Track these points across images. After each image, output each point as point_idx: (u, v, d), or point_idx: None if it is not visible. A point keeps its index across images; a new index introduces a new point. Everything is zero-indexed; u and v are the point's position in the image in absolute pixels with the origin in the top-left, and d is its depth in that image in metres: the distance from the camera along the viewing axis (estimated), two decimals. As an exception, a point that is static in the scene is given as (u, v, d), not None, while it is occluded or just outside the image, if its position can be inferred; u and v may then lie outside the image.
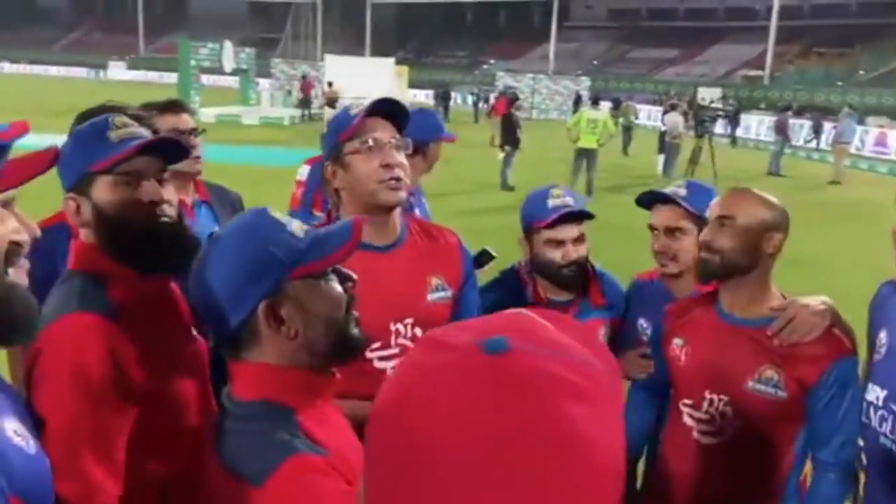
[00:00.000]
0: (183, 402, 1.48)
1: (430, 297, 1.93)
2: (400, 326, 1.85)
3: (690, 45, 55.82)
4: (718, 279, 1.95)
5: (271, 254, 1.13)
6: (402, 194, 1.84)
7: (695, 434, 1.96)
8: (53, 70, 60.71)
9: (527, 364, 0.57)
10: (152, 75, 55.04)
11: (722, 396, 1.91)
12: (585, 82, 37.87)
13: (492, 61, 59.50)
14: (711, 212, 1.94)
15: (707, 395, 1.94)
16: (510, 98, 18.31)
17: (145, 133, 1.51)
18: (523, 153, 14.33)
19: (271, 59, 38.76)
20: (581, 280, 2.28)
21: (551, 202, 2.20)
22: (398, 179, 1.80)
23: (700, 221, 2.12)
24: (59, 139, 1.48)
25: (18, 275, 1.05)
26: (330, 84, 25.20)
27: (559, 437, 0.55)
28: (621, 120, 21.71)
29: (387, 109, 1.83)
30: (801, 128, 25.57)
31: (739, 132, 26.81)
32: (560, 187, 2.28)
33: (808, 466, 1.97)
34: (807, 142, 24.70)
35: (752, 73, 48.08)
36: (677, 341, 2.04)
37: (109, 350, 1.34)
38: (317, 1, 56.26)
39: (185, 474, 1.40)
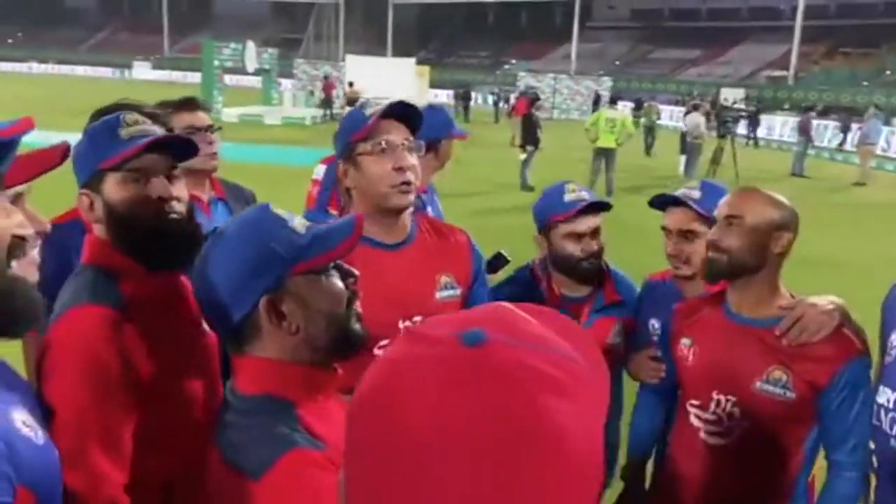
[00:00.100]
0: (191, 396, 1.49)
1: (439, 295, 1.94)
2: (409, 324, 1.86)
3: (713, 46, 55.35)
4: (726, 279, 1.93)
5: (272, 249, 1.15)
6: (412, 198, 1.86)
7: (702, 435, 1.95)
8: (80, 70, 61.49)
9: (505, 356, 0.57)
10: (176, 75, 55.53)
11: (729, 397, 1.90)
12: (607, 82, 37.70)
13: (513, 61, 59.38)
14: (719, 211, 1.92)
15: (714, 395, 1.92)
16: (531, 98, 18.23)
17: (156, 130, 1.53)
18: (543, 153, 14.29)
19: (294, 60, 38.99)
20: (598, 274, 2.31)
21: (568, 196, 2.24)
22: (409, 183, 1.82)
23: (713, 223, 2.10)
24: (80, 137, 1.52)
25: (24, 268, 1.07)
26: (351, 84, 25.30)
27: (536, 428, 0.55)
28: (643, 120, 21.57)
29: (401, 111, 1.84)
30: (825, 129, 25.25)
31: (763, 133, 26.51)
32: (574, 183, 2.32)
33: (817, 467, 1.95)
34: (839, 144, 24.36)
35: (777, 73, 47.57)
36: (685, 341, 2.03)
37: (118, 343, 1.36)
38: (339, 1, 56.50)
39: (191, 469, 1.42)
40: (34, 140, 1.18)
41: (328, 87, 28.68)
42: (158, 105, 2.40)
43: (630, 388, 2.43)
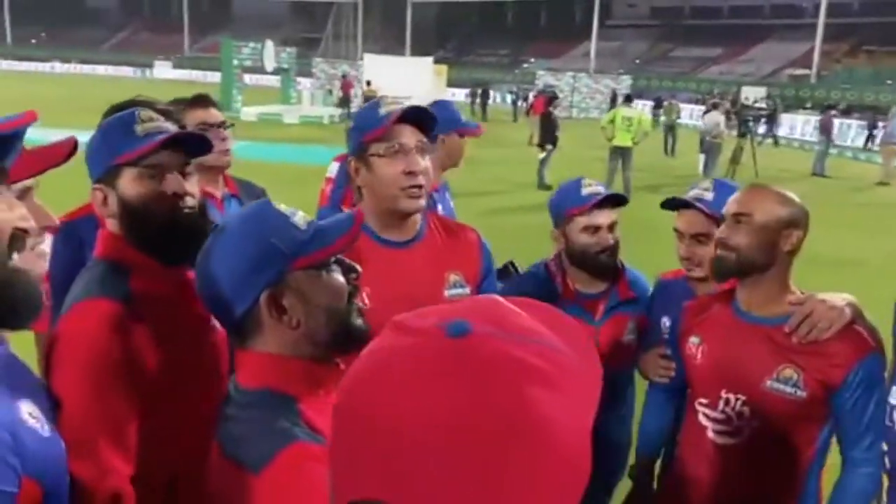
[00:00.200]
0: (198, 392, 1.50)
1: (448, 293, 1.94)
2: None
3: (734, 44, 54.89)
4: (734, 277, 1.91)
5: (273, 245, 1.15)
6: (422, 202, 1.87)
7: (710, 434, 1.93)
8: (101, 69, 62.05)
9: (489, 347, 0.57)
10: (196, 74, 55.93)
11: (739, 396, 1.88)
12: (626, 81, 37.50)
13: (532, 60, 59.28)
14: (728, 209, 1.89)
15: (723, 394, 1.90)
16: (549, 96, 18.17)
17: (170, 127, 1.55)
18: (561, 152, 14.25)
19: (312, 59, 39.17)
20: (613, 270, 2.34)
21: (585, 190, 2.29)
22: (419, 187, 1.82)
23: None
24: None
25: (29, 260, 1.08)
26: (368, 83, 25.33)
27: (522, 420, 0.55)
28: (663, 119, 21.39)
29: (414, 115, 1.84)
30: (848, 128, 24.95)
31: (784, 132, 26.26)
32: (589, 179, 2.35)
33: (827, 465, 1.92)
34: (864, 144, 24.03)
35: (799, 72, 47.09)
36: (694, 339, 2.01)
37: (125, 337, 1.37)
38: (358, 1, 56.64)
39: (196, 464, 1.43)
40: (54, 138, 1.19)
41: (346, 86, 28.73)
42: (171, 102, 2.42)
43: (640, 386, 2.42)
